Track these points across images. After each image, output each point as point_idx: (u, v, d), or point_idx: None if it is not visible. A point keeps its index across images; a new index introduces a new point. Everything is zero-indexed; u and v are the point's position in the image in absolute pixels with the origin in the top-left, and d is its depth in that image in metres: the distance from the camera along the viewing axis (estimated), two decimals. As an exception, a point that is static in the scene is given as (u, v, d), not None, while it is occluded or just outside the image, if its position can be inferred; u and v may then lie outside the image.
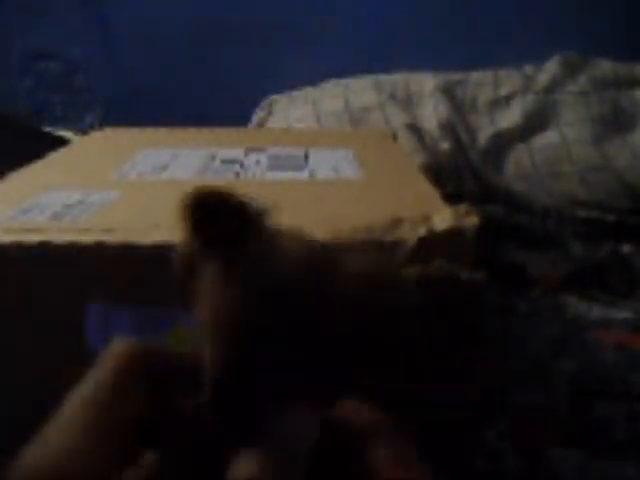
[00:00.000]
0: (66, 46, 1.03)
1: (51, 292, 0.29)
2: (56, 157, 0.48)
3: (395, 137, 0.63)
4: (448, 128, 0.75)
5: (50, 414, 0.29)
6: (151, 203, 0.35)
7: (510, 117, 0.75)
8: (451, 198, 0.36)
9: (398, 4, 0.96)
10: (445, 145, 0.74)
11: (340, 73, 0.84)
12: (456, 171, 0.74)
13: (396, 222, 0.29)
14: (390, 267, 0.20)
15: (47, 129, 0.89)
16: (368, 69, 0.83)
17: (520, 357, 0.45)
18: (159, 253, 0.28)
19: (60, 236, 0.29)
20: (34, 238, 0.29)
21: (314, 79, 0.85)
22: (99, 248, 0.28)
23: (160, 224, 0.29)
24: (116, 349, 0.17)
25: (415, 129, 0.75)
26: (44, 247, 0.28)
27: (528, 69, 0.79)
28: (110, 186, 0.38)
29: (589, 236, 0.64)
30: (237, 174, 0.41)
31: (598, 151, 0.71)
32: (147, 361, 0.17)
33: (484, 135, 0.75)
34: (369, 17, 0.97)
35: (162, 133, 0.58)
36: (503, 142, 0.75)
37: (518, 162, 0.74)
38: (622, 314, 0.52)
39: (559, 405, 0.41)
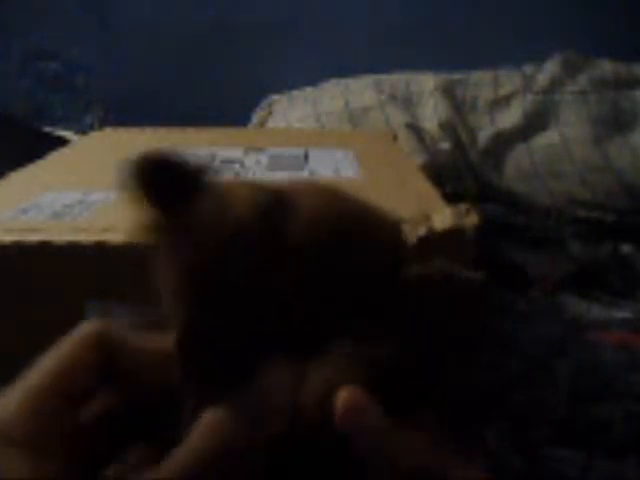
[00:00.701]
0: (66, 46, 1.03)
1: (51, 291, 0.29)
2: (56, 157, 0.48)
3: (395, 137, 0.63)
4: (448, 128, 0.75)
5: None
6: None
7: (510, 117, 0.75)
8: (451, 198, 0.36)
9: (398, 4, 0.96)
10: (445, 145, 0.74)
11: (340, 73, 0.84)
12: (456, 171, 0.74)
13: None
14: (353, 208, 0.19)
15: (47, 129, 0.89)
16: (368, 69, 0.83)
17: (520, 357, 0.45)
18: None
19: (60, 236, 0.29)
20: (34, 238, 0.29)
21: (314, 79, 0.85)
22: (99, 248, 0.28)
23: None
24: (84, 327, 0.18)
25: (415, 129, 0.75)
26: (44, 247, 0.28)
27: (528, 69, 0.79)
28: (110, 186, 0.38)
29: (589, 236, 0.64)
30: (237, 174, 0.41)
31: (598, 151, 0.71)
32: (109, 341, 0.17)
33: (484, 135, 0.75)
34: (369, 17, 0.97)
35: (162, 133, 0.58)
36: (503, 142, 0.75)
37: (518, 162, 0.74)
38: (622, 314, 0.52)
39: (559, 405, 0.41)
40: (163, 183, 0.17)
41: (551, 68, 0.78)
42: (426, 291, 0.28)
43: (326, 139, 0.56)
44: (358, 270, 0.17)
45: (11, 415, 0.16)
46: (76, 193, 0.36)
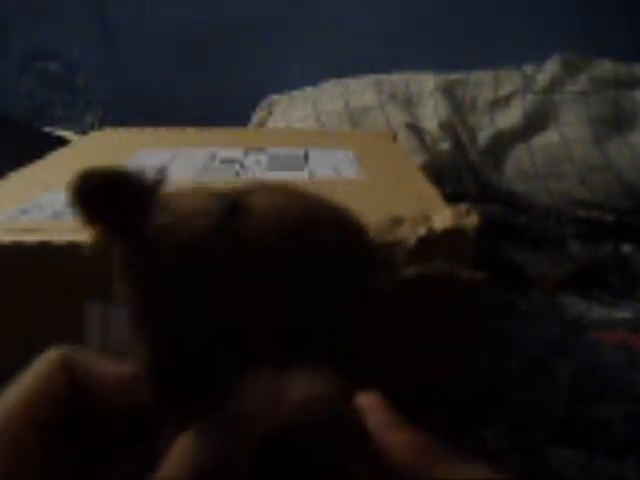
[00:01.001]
0: (66, 46, 1.03)
1: (51, 292, 0.29)
2: (56, 157, 0.48)
3: (395, 137, 0.63)
4: (448, 128, 0.75)
5: None
6: None
7: (510, 117, 0.75)
8: (451, 198, 0.36)
9: (398, 4, 0.96)
10: (445, 145, 0.74)
11: (340, 73, 0.84)
12: (456, 171, 0.74)
13: (396, 222, 0.29)
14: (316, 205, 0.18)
15: (47, 129, 0.89)
16: (368, 69, 0.83)
17: (520, 357, 0.45)
18: None
19: (60, 236, 0.29)
20: (34, 238, 0.29)
21: (314, 79, 0.85)
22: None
23: None
24: (47, 356, 0.17)
25: (415, 129, 0.75)
26: (44, 247, 0.28)
27: (528, 69, 0.79)
28: None
29: (589, 236, 0.64)
30: (237, 174, 0.41)
31: (598, 151, 0.71)
32: (73, 369, 0.17)
33: (484, 135, 0.75)
34: (369, 17, 0.97)
35: (161, 133, 0.58)
36: (503, 142, 0.75)
37: (518, 162, 0.74)
38: (622, 314, 0.52)
39: (559, 405, 0.41)
40: (108, 200, 0.16)
41: (551, 68, 0.78)
42: (426, 291, 0.28)
43: (326, 139, 0.56)
44: (318, 271, 0.16)
45: None
46: None
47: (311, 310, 0.16)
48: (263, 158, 0.46)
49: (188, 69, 1.00)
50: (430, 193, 0.38)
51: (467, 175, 0.75)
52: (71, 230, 0.29)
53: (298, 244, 0.16)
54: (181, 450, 0.14)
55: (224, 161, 0.45)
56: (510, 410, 0.41)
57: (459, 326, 0.30)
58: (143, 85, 1.01)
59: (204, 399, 0.15)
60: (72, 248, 0.28)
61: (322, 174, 0.42)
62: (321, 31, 0.97)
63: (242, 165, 0.44)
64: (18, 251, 0.28)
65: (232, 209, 0.16)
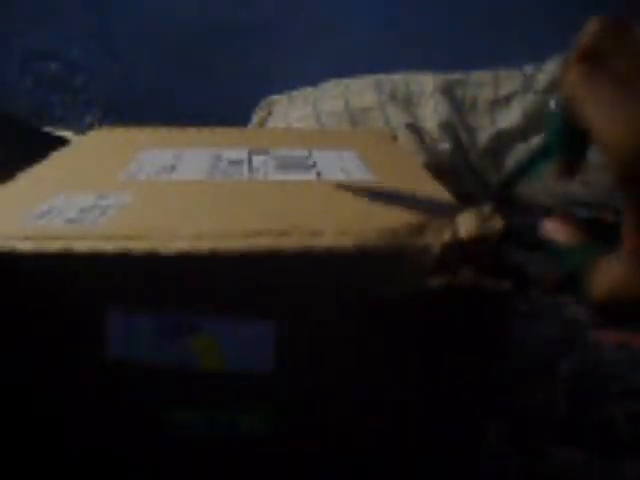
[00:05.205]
0: (66, 46, 1.03)
1: (72, 301, 0.28)
2: (60, 158, 0.47)
3: (395, 137, 0.63)
4: (448, 128, 0.75)
5: (71, 424, 0.29)
6: (169, 205, 0.34)
7: (510, 117, 0.75)
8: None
9: (398, 4, 0.96)
10: (445, 145, 0.74)
11: (340, 73, 0.84)
12: (456, 171, 0.74)
13: (418, 227, 0.29)
14: None
15: (47, 129, 0.89)
16: (368, 69, 0.83)
17: (520, 357, 0.45)
18: (184, 261, 0.27)
19: (82, 244, 0.28)
20: (55, 246, 0.27)
21: (314, 79, 0.85)
22: (123, 256, 0.27)
23: (183, 230, 0.29)
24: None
25: (415, 129, 0.75)
26: (66, 255, 0.27)
27: (528, 69, 0.79)
28: (121, 188, 0.36)
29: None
30: (248, 174, 0.41)
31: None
32: None
33: (484, 135, 0.75)
34: (369, 17, 0.97)
35: (160, 133, 0.57)
36: (503, 142, 0.75)
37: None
38: (622, 314, 0.51)
39: (559, 405, 0.41)
40: None
41: (551, 68, 0.78)
42: (454, 301, 0.27)
43: (327, 139, 0.56)
44: None
45: None
46: (88, 196, 0.35)
47: None
48: (269, 159, 0.45)
49: (188, 69, 1.00)
50: (442, 195, 0.38)
51: (467, 175, 0.75)
52: (93, 237, 0.28)
53: None
54: None
55: (231, 162, 0.44)
56: (510, 410, 0.41)
57: (486, 334, 0.30)
58: (143, 85, 1.01)
59: None
60: (95, 256, 0.27)
61: (331, 176, 0.41)
62: (321, 31, 0.96)
63: (250, 166, 0.43)
64: (39, 260, 0.27)
65: None
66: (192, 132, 0.57)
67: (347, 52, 0.94)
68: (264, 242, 0.28)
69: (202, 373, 0.29)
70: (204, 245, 0.27)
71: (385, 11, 0.96)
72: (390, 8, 0.96)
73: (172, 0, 0.99)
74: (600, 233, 0.27)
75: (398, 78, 0.81)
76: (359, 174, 0.42)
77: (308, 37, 0.97)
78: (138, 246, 0.27)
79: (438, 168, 0.73)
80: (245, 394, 0.30)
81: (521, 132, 0.74)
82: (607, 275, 0.22)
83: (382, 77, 0.81)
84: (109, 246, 0.27)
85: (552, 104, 0.26)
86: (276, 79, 0.89)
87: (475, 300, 0.29)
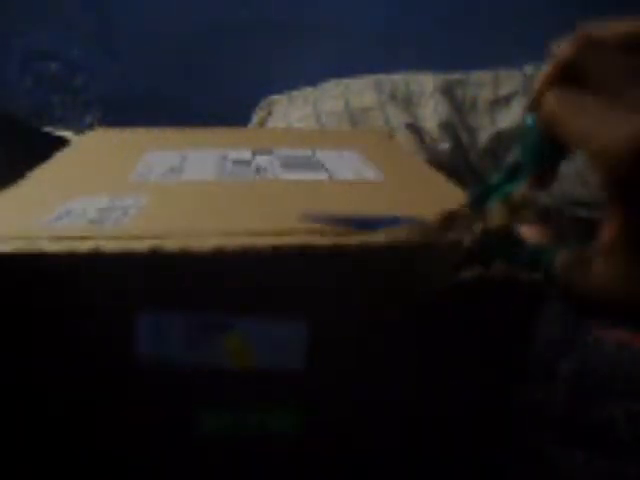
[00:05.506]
0: (66, 46, 1.03)
1: (101, 302, 0.28)
2: (63, 160, 0.46)
3: (391, 135, 0.63)
4: (448, 128, 0.75)
5: (101, 428, 0.29)
6: (188, 206, 0.34)
7: (510, 117, 0.75)
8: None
9: (398, 4, 0.96)
10: (445, 145, 0.74)
11: (340, 73, 0.84)
12: (456, 171, 0.74)
13: (448, 221, 0.28)
14: None
15: (47, 129, 0.89)
16: (368, 69, 0.83)
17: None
18: (216, 259, 0.27)
19: (113, 243, 0.27)
20: (86, 246, 0.27)
21: (314, 79, 0.85)
22: (155, 255, 0.27)
23: (212, 228, 0.28)
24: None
25: (415, 129, 0.75)
26: (97, 255, 0.27)
27: (528, 69, 0.79)
28: (134, 189, 0.36)
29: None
30: (257, 175, 0.40)
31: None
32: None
33: (484, 135, 0.75)
34: (369, 17, 0.97)
35: (161, 134, 0.57)
36: (503, 142, 0.75)
37: (518, 162, 0.74)
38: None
39: (559, 405, 0.41)
40: None
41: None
42: (487, 294, 0.27)
43: (327, 138, 0.56)
44: None
45: None
46: (103, 198, 0.34)
47: None
48: (273, 159, 0.45)
49: (188, 69, 1.00)
50: (454, 191, 0.38)
51: (467, 175, 0.75)
52: (122, 237, 0.28)
53: None
54: None
55: (237, 162, 0.44)
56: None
57: (520, 327, 0.30)
58: (143, 85, 1.01)
59: None
60: (126, 256, 0.27)
61: (341, 175, 0.41)
62: (321, 31, 0.96)
63: (258, 166, 0.43)
64: (69, 260, 0.27)
65: None
66: (193, 132, 0.57)
67: (347, 52, 0.94)
68: (295, 240, 0.27)
69: (233, 372, 0.29)
70: (236, 242, 0.27)
71: (385, 11, 0.96)
72: (390, 8, 0.96)
73: (172, 0, 0.99)
74: (579, 232, 0.27)
75: (398, 78, 0.81)
76: (369, 172, 0.41)
77: (308, 37, 0.97)
78: (170, 245, 0.27)
79: (438, 168, 0.72)
80: (275, 393, 0.30)
81: (521, 132, 0.74)
82: (585, 270, 0.23)
83: (382, 77, 0.81)
84: (141, 245, 0.27)
85: (528, 120, 0.26)
86: (276, 79, 0.89)
87: (509, 292, 0.28)
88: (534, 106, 0.24)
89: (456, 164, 0.74)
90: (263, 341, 0.28)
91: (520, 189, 0.27)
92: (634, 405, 0.41)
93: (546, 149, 0.25)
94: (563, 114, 0.22)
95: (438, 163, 0.73)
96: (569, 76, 0.24)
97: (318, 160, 0.45)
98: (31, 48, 1.04)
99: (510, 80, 0.78)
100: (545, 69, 0.25)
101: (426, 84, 0.79)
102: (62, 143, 0.61)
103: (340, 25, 0.96)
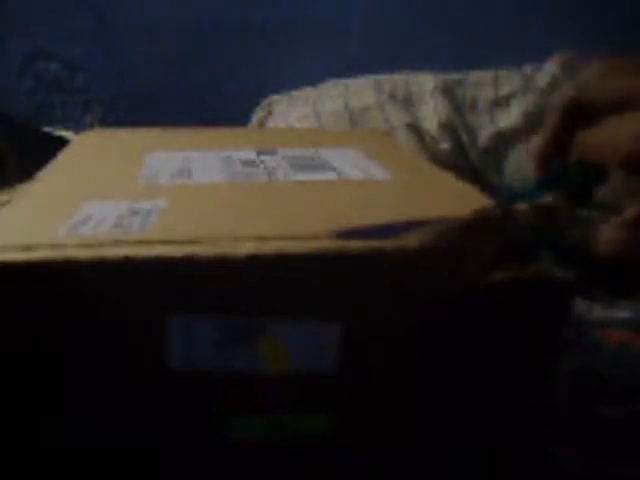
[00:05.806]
0: (66, 46, 1.03)
1: (133, 309, 0.27)
2: (68, 160, 0.45)
3: (388, 134, 0.63)
4: (448, 128, 0.75)
5: (132, 432, 0.27)
6: (209, 209, 0.33)
7: (510, 117, 0.75)
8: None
9: (398, 4, 0.96)
10: (445, 145, 0.74)
11: (340, 73, 0.84)
12: (456, 171, 0.74)
13: (478, 221, 0.28)
14: None
15: (47, 129, 0.89)
16: (368, 69, 0.83)
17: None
18: (251, 264, 0.27)
19: (144, 250, 0.27)
20: (116, 252, 0.26)
21: (314, 79, 0.85)
22: (189, 261, 0.26)
23: (243, 233, 0.28)
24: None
25: (415, 129, 0.75)
26: (128, 262, 0.26)
27: (528, 69, 0.79)
28: (148, 193, 0.35)
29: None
30: (267, 176, 0.39)
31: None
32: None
33: (484, 135, 0.75)
34: (369, 17, 0.97)
35: (162, 134, 0.57)
36: (503, 142, 0.75)
37: (518, 162, 0.74)
38: (623, 314, 0.52)
39: (559, 405, 0.41)
40: None
41: (551, 68, 0.78)
42: (519, 294, 0.28)
43: (326, 138, 0.56)
44: None
45: None
46: (120, 202, 0.33)
47: None
48: (279, 159, 0.44)
49: (188, 69, 1.00)
50: (466, 189, 0.38)
51: (467, 175, 0.74)
52: (154, 242, 0.27)
53: None
54: None
55: (244, 163, 0.43)
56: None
57: (553, 325, 0.30)
58: (143, 85, 1.01)
59: None
60: (160, 262, 0.26)
61: (350, 175, 0.40)
62: (321, 31, 0.97)
63: (265, 166, 0.42)
64: (100, 268, 0.26)
65: None
66: (193, 132, 0.57)
67: (347, 52, 0.94)
68: (329, 244, 0.27)
69: (266, 377, 0.29)
70: (270, 247, 0.27)
71: (385, 11, 0.96)
72: (390, 8, 0.96)
73: (172, 0, 0.99)
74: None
75: (398, 78, 0.81)
76: (376, 172, 0.41)
77: (308, 37, 0.97)
78: (204, 251, 0.26)
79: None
80: (307, 397, 0.30)
81: (521, 132, 0.74)
82: (610, 237, 0.27)
83: (382, 77, 0.81)
84: (173, 251, 0.26)
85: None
86: (276, 79, 0.89)
87: (541, 291, 0.28)
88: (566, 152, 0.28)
89: (456, 164, 0.74)
90: (297, 345, 0.28)
91: (548, 199, 0.28)
92: (634, 405, 0.41)
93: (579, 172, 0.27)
94: (584, 140, 0.27)
95: (438, 163, 0.73)
96: (578, 111, 0.27)
97: (325, 160, 0.44)
98: (31, 48, 1.04)
99: (510, 80, 0.78)
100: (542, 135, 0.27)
101: (426, 84, 0.79)
102: (62, 143, 0.61)
103: (340, 25, 0.96)
